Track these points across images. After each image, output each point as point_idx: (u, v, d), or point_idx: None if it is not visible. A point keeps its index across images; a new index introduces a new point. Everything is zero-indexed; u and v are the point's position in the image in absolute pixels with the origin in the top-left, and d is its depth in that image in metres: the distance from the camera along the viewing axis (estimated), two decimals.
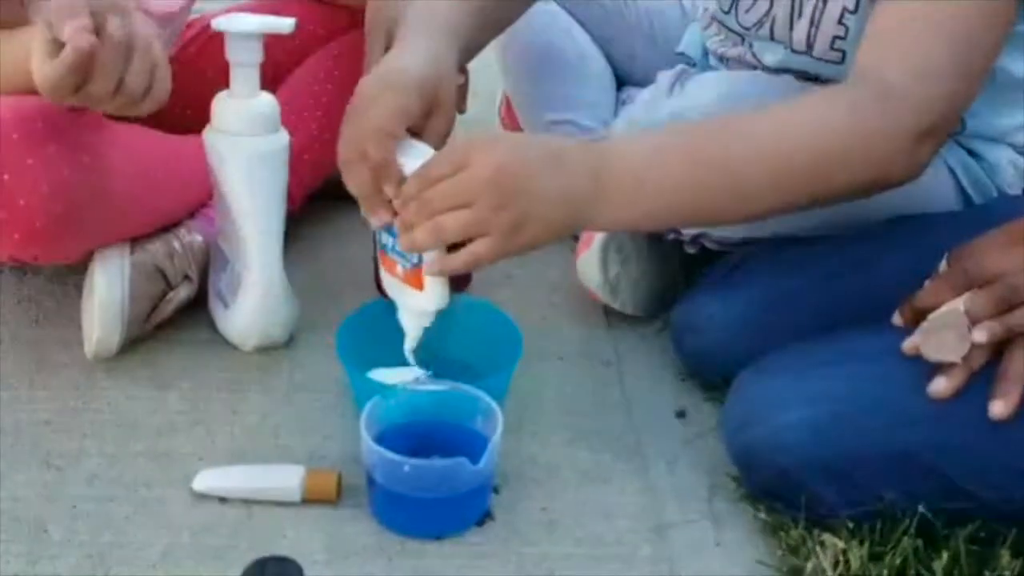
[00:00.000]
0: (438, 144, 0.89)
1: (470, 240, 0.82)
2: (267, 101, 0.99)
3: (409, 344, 0.94)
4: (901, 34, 0.83)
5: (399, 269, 0.91)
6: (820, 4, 0.97)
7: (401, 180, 0.85)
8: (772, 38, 1.04)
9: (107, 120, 0.99)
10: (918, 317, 0.80)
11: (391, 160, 0.85)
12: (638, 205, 0.83)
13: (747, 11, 1.06)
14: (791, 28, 1.01)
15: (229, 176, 0.99)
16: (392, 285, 0.93)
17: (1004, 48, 0.90)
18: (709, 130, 0.86)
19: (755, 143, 0.83)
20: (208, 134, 0.99)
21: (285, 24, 0.96)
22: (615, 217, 0.84)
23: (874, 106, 0.81)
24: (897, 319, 0.83)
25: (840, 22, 0.97)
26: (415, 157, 0.85)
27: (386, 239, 0.91)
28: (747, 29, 1.07)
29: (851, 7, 0.95)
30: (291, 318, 1.06)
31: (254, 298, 1.02)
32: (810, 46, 1.00)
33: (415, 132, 0.88)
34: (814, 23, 0.99)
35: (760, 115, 0.85)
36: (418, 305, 0.91)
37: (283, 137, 1.00)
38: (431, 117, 0.88)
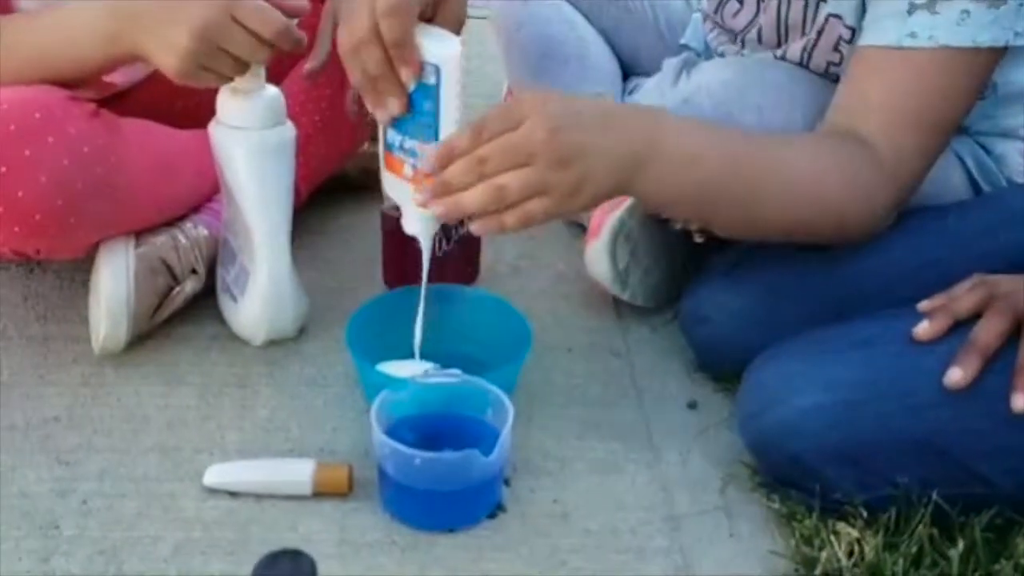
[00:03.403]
0: (452, 27, 0.85)
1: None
2: (273, 94, 0.98)
3: (425, 263, 0.91)
4: (887, 115, 0.88)
5: (407, 169, 0.87)
6: (814, 36, 0.98)
7: (419, 63, 0.81)
8: (760, 42, 1.04)
9: (109, 112, 0.99)
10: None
11: (409, 39, 0.80)
12: (679, 183, 0.84)
13: (734, 15, 1.06)
14: (780, 43, 1.02)
15: (235, 169, 0.98)
16: (396, 187, 0.89)
17: (1006, 63, 0.92)
18: (743, 146, 0.87)
19: (777, 180, 0.87)
20: (213, 127, 0.98)
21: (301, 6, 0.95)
22: (655, 188, 0.84)
23: (868, 177, 0.88)
24: (924, 305, 0.83)
25: (836, 49, 0.97)
26: (435, 40, 0.80)
27: (393, 136, 0.86)
28: (737, 33, 1.07)
29: (847, 37, 0.95)
30: (300, 311, 1.06)
31: (262, 292, 1.02)
32: (804, 64, 1.01)
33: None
34: (806, 50, 0.99)
35: (789, 147, 0.89)
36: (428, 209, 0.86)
37: (289, 129, 1.00)
38: (441, 4, 0.85)
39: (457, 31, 0.85)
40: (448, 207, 0.81)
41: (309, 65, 1.12)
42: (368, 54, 0.81)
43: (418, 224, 0.90)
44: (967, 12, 0.84)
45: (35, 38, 0.95)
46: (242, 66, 0.93)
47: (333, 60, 1.18)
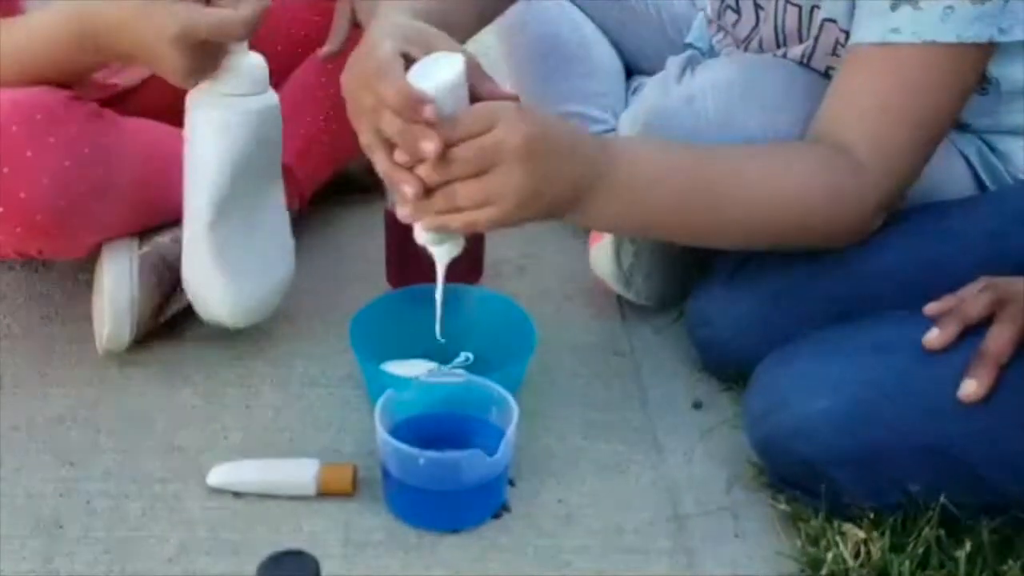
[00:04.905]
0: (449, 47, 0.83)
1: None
2: (252, 61, 0.94)
3: (440, 270, 0.88)
4: (872, 113, 0.88)
5: None
6: (812, 43, 0.97)
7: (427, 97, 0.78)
8: (762, 48, 1.04)
9: (111, 112, 0.99)
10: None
11: (405, 86, 0.77)
12: (626, 214, 0.86)
13: (734, 25, 1.06)
14: (779, 47, 1.02)
15: (194, 134, 0.95)
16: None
17: (1008, 59, 0.92)
18: (706, 164, 0.88)
19: (743, 193, 0.88)
20: (190, 96, 0.95)
21: None
22: (601, 217, 0.86)
23: (848, 181, 0.87)
24: (932, 308, 0.83)
25: (834, 53, 0.97)
26: (428, 76, 0.79)
27: None
28: (740, 41, 1.07)
29: (843, 41, 0.95)
30: (237, 301, 0.99)
31: (187, 267, 0.99)
32: (805, 65, 1.00)
33: None
34: (805, 56, 0.99)
35: (754, 161, 0.89)
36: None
37: (269, 98, 0.96)
38: (431, 45, 0.83)
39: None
40: (412, 212, 0.81)
41: (326, 49, 1.11)
42: (365, 132, 0.81)
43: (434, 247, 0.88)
44: (951, 8, 0.84)
45: (22, 44, 0.94)
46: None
47: (341, 57, 1.19)
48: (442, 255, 0.87)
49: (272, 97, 0.97)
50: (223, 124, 0.94)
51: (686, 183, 0.86)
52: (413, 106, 0.76)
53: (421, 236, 0.86)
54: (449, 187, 0.79)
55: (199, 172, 0.96)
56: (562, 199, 0.82)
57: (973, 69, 0.89)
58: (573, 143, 0.82)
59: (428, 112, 0.76)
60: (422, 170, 0.79)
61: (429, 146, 0.76)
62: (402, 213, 0.82)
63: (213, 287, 0.99)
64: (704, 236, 0.91)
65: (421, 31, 0.83)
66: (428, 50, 0.82)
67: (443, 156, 0.77)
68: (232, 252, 0.99)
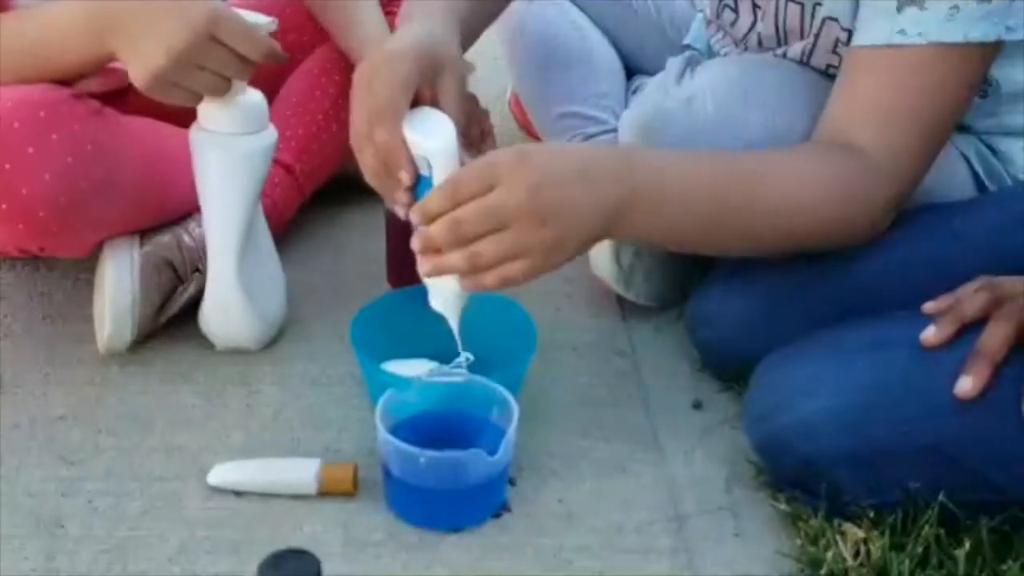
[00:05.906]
0: (454, 103, 0.88)
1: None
2: (252, 100, 0.96)
3: (455, 327, 0.90)
4: (879, 115, 0.88)
5: None
6: (812, 40, 0.98)
7: (410, 159, 0.84)
8: (760, 46, 1.04)
9: (114, 111, 0.99)
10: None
11: (398, 144, 0.84)
12: (661, 223, 0.85)
13: (732, 24, 1.07)
14: (780, 45, 1.02)
15: (205, 174, 0.97)
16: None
17: (1009, 60, 0.92)
18: (725, 173, 0.88)
19: (760, 201, 0.87)
20: (192, 131, 0.97)
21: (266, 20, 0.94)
22: (635, 230, 0.85)
23: (858, 183, 0.88)
24: (930, 307, 0.83)
25: (834, 51, 0.97)
26: (425, 133, 0.83)
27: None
28: (738, 40, 1.07)
29: (844, 39, 0.95)
30: (262, 326, 1.02)
31: (212, 302, 1.01)
32: (804, 63, 1.00)
33: (434, 103, 0.88)
34: (805, 53, 0.99)
35: (768, 167, 0.89)
36: (451, 286, 0.87)
37: (268, 136, 0.97)
38: (439, 78, 0.87)
39: (457, 102, 0.88)
40: (433, 267, 0.82)
41: None
42: (366, 154, 0.85)
43: (441, 299, 0.89)
44: (956, 7, 0.84)
45: (22, 37, 0.94)
46: (223, 83, 0.92)
47: (341, 58, 1.19)
48: (453, 313, 0.89)
49: (274, 133, 0.99)
50: (242, 166, 0.96)
51: (706, 193, 0.86)
52: (394, 165, 0.83)
53: (435, 300, 0.88)
54: (473, 249, 0.79)
55: (223, 213, 0.98)
56: (594, 230, 0.82)
57: (980, 68, 0.88)
58: (585, 170, 0.81)
59: (404, 178, 0.84)
60: (436, 229, 0.80)
61: (401, 211, 0.85)
62: (425, 269, 0.83)
63: (241, 317, 1.01)
64: (722, 243, 0.91)
65: (433, 56, 0.87)
66: (435, 77, 0.86)
67: (453, 219, 0.79)
68: (252, 281, 1.01)
